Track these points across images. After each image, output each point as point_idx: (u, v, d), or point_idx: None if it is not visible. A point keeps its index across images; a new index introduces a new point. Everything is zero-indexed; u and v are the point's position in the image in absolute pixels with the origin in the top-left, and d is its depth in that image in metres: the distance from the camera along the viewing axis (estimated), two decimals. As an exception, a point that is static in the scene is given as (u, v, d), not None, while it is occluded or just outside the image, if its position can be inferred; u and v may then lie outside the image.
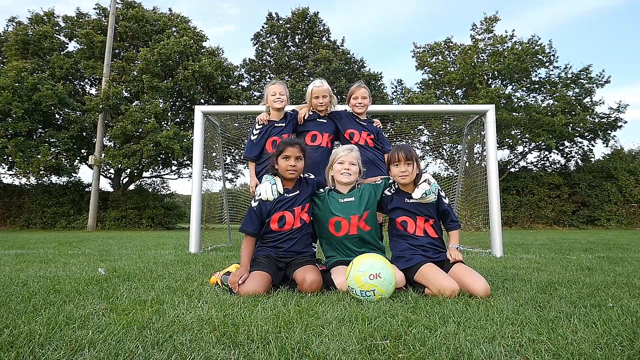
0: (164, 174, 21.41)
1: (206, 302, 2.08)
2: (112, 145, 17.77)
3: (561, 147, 20.37)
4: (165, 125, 17.39)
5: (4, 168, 17.83)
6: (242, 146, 8.55)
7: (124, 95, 17.53)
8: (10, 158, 16.58)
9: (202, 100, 18.17)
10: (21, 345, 1.38)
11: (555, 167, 21.08)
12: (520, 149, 20.42)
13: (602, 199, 19.18)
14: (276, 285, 2.52)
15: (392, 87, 22.92)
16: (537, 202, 19.12)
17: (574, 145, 20.43)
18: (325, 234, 2.74)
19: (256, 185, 3.04)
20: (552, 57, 19.18)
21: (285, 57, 21.59)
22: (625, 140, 63.62)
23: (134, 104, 17.60)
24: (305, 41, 22.19)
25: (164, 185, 21.88)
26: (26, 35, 17.47)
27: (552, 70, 19.52)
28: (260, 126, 3.43)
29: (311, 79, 18.39)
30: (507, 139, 18.74)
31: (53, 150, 17.21)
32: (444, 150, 17.86)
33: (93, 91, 19.66)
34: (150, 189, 20.68)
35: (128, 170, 19.08)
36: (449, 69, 20.16)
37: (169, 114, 18.24)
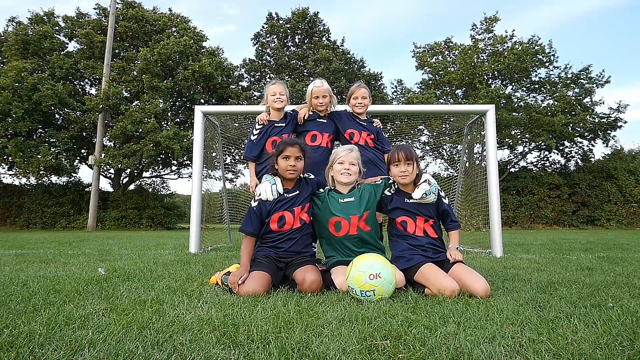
0: (164, 174, 21.43)
1: (206, 302, 2.08)
2: (112, 145, 17.77)
3: (561, 147, 20.37)
4: (165, 125, 17.39)
5: (4, 168, 17.86)
6: (242, 146, 8.55)
7: (124, 95, 17.53)
8: (10, 158, 16.59)
9: (202, 100, 18.17)
10: (21, 345, 1.38)
11: (555, 167, 21.08)
12: (520, 149, 20.43)
13: (602, 199, 19.18)
14: (276, 285, 2.52)
15: (392, 87, 22.96)
16: (537, 202, 19.12)
17: (574, 145, 20.44)
18: (325, 234, 2.74)
19: (256, 185, 3.04)
20: (552, 57, 19.19)
21: (285, 57, 21.59)
22: (625, 140, 63.72)
23: (134, 104, 17.60)
24: (305, 41, 22.19)
25: (164, 185, 21.91)
26: (26, 35, 17.47)
27: (552, 70, 19.55)
28: (260, 126, 3.43)
29: (311, 79, 18.39)
30: (507, 139, 18.75)
31: (53, 150, 17.22)
32: (444, 150, 17.86)
33: (93, 91, 19.68)
34: (150, 189, 20.69)
35: (128, 170, 19.09)
36: (449, 69, 20.16)
37: (169, 114, 18.25)
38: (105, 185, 22.09)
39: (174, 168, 20.88)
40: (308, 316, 1.78)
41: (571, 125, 18.66)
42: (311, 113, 3.54)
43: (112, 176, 19.47)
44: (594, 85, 18.91)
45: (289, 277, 2.55)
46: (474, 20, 24.85)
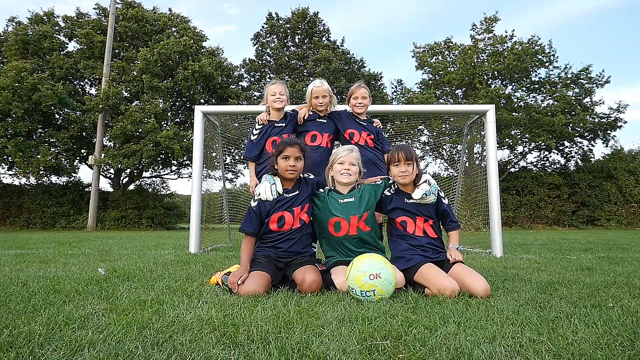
0: (164, 174, 21.43)
1: (206, 302, 2.08)
2: (112, 145, 17.77)
3: (561, 147, 20.38)
4: (165, 125, 17.39)
5: (3, 168, 17.87)
6: (242, 146, 8.55)
7: (124, 95, 17.53)
8: (10, 158, 16.59)
9: (202, 100, 18.17)
10: (21, 346, 1.38)
11: (555, 167, 21.09)
12: (520, 149, 20.44)
13: (602, 199, 19.18)
14: (276, 285, 2.52)
15: (392, 87, 22.96)
16: (537, 202, 19.13)
17: (574, 145, 20.45)
18: (325, 234, 2.74)
19: (256, 185, 3.04)
20: (552, 57, 19.19)
21: (285, 57, 21.59)
22: (625, 140, 63.81)
23: (133, 104, 17.60)
24: (305, 41, 22.19)
25: (164, 185, 21.91)
26: (26, 35, 17.47)
27: (552, 70, 19.56)
28: (260, 126, 3.43)
29: (311, 79, 18.38)
30: (507, 139, 18.75)
31: (53, 150, 17.21)
32: (444, 150, 17.85)
33: (93, 91, 19.68)
34: (150, 189, 20.68)
35: (128, 170, 19.09)
36: (448, 69, 20.17)
37: (169, 114, 18.25)
38: (105, 185, 22.13)
39: (173, 168, 20.89)
40: (308, 316, 1.77)
41: (571, 125, 18.67)
42: (311, 113, 3.54)
43: (112, 176, 19.47)
44: (594, 85, 18.92)
45: (288, 277, 2.55)
46: (473, 21, 24.90)
